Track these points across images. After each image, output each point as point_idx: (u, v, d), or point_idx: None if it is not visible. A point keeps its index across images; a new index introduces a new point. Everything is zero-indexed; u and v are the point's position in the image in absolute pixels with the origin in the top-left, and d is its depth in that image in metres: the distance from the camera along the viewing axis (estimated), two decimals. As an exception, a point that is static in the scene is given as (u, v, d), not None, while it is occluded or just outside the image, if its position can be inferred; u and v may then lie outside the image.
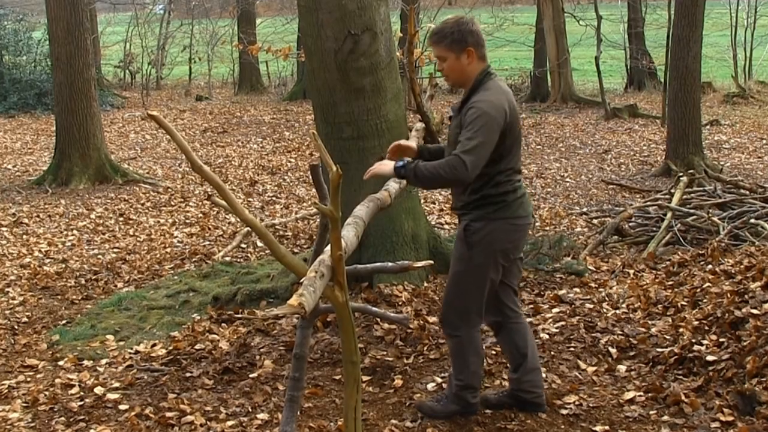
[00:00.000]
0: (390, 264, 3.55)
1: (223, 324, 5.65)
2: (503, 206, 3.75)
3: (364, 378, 4.40)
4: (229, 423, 4.12)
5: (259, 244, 8.40)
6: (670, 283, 5.87)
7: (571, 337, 4.96)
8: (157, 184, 12.02)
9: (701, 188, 9.18)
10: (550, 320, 5.21)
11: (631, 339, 4.86)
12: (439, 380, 4.47)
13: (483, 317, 3.95)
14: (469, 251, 3.78)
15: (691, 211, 8.05)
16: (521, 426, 3.95)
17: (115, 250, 8.54)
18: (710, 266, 5.92)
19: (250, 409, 4.26)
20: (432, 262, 3.75)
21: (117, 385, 4.71)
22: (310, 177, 3.44)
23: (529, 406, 4.07)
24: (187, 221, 9.82)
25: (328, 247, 3.02)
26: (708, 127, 16.17)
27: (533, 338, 4.17)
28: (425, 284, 5.77)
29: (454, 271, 3.87)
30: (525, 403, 4.07)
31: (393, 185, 4.06)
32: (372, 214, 3.76)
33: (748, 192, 8.88)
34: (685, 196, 8.56)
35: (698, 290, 5.35)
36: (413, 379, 4.52)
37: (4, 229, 9.47)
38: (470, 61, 3.73)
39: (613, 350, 4.76)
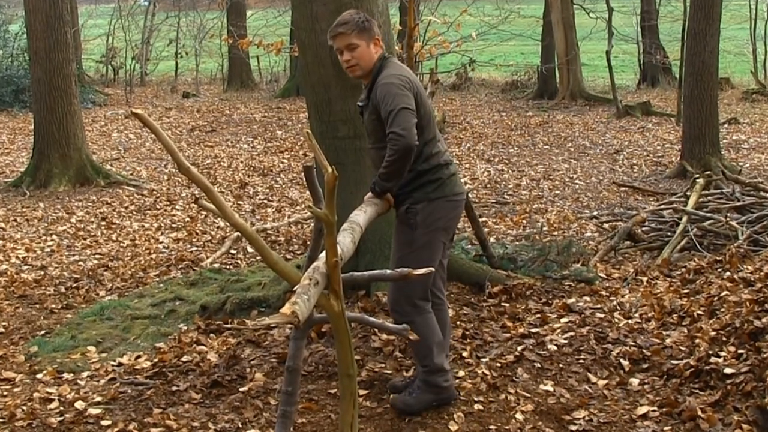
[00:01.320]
0: (389, 271, 3.55)
1: (211, 335, 5.65)
2: (440, 185, 4.08)
3: (361, 392, 4.40)
4: (218, 440, 4.12)
5: (250, 249, 8.40)
6: (686, 291, 5.88)
7: (581, 348, 4.96)
8: (142, 187, 12.02)
9: (719, 191, 9.19)
10: (559, 331, 5.21)
11: (644, 350, 4.86)
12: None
13: (429, 299, 4.20)
14: (413, 233, 4.07)
15: (708, 214, 8.06)
16: (528, 443, 3.95)
17: (97, 256, 8.53)
18: (728, 273, 5.92)
19: (240, 425, 4.26)
20: (433, 269, 3.75)
21: (99, 399, 4.70)
22: (304, 178, 3.44)
23: None
24: (174, 226, 9.82)
25: (323, 254, 3.02)
26: (726, 125, 16.21)
27: (450, 325, 4.55)
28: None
29: (399, 256, 4.10)
30: None
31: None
32: (369, 220, 3.77)
33: (768, 194, 8.90)
34: (701, 199, 8.57)
35: (715, 299, 5.35)
36: (413, 393, 4.52)
37: (-22, 233, 9.48)
38: (377, 49, 4.12)
39: (625, 362, 4.76)
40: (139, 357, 5.36)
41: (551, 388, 4.47)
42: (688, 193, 8.89)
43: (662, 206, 9.05)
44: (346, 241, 3.31)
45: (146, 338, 5.84)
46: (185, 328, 5.89)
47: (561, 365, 4.77)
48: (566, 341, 5.05)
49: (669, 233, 8.02)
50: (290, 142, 16.04)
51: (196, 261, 8.13)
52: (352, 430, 3.18)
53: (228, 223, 3.19)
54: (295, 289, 2.83)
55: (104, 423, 4.40)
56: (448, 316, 4.45)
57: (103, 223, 9.98)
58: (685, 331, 5.07)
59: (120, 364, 5.27)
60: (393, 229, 4.27)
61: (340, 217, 3.09)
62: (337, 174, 2.81)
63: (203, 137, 16.96)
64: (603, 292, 6.12)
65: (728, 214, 8.07)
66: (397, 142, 3.83)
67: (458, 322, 5.31)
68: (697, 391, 4.36)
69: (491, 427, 4.07)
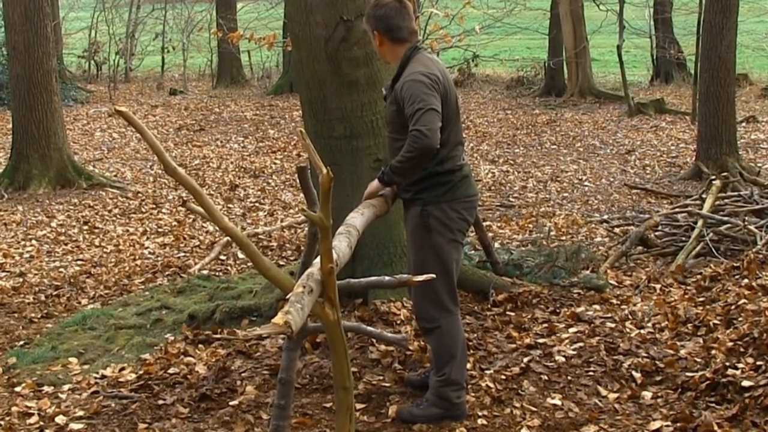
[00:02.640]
0: (387, 278, 3.56)
1: (199, 345, 5.65)
2: (452, 187, 4.18)
3: (358, 406, 4.40)
4: (207, 456, 4.12)
5: (241, 255, 8.40)
6: (702, 299, 5.89)
7: (591, 360, 4.96)
8: (126, 189, 12.02)
9: (736, 193, 9.20)
10: (567, 341, 5.22)
11: (657, 362, 4.87)
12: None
13: (458, 302, 4.35)
14: (428, 236, 4.17)
15: (725, 218, 8.07)
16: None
17: (79, 262, 8.53)
18: (746, 280, 5.93)
19: (230, 441, 4.26)
20: (435, 276, 3.76)
21: (81, 413, 4.70)
22: (298, 180, 3.45)
23: None
24: (160, 230, 9.82)
25: (318, 260, 3.03)
26: (744, 124, 16.22)
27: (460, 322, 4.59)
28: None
29: (418, 261, 4.20)
30: None
31: (388, 190, 4.27)
32: (367, 223, 3.78)
33: (788, 197, 8.90)
34: (717, 202, 8.58)
35: (733, 307, 5.36)
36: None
37: (-47, 238, 9.48)
38: (380, 44, 4.26)
39: (637, 375, 4.77)
40: (123, 369, 5.36)
41: (559, 402, 4.47)
42: (703, 196, 8.90)
43: (676, 209, 9.05)
44: (342, 246, 3.31)
45: (131, 349, 5.84)
46: (172, 338, 5.90)
47: (569, 378, 4.77)
48: (575, 352, 5.05)
49: (684, 238, 8.02)
50: (283, 142, 16.05)
51: (183, 267, 8.13)
52: (349, 446, 3.18)
53: (217, 228, 3.19)
54: (288, 297, 2.84)
55: (86, 439, 4.40)
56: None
57: (86, 227, 9.98)
58: (701, 341, 5.08)
59: (103, 377, 5.27)
60: (406, 233, 4.37)
61: (336, 221, 3.10)
62: (332, 175, 2.81)
63: (191, 136, 16.97)
64: (614, 301, 6.12)
65: (746, 218, 8.08)
66: (420, 140, 3.92)
67: (461, 332, 5.32)
68: (713, 405, 4.36)
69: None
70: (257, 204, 11.22)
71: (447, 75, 4.23)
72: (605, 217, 9.96)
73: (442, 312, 4.23)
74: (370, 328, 3.81)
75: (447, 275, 4.20)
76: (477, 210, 4.51)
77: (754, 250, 6.98)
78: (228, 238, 8.34)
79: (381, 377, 4.79)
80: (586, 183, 12.28)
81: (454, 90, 4.24)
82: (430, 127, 3.92)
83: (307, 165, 3.50)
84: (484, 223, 7.73)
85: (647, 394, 4.58)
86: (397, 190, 4.25)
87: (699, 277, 6.56)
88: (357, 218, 3.73)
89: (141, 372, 5.21)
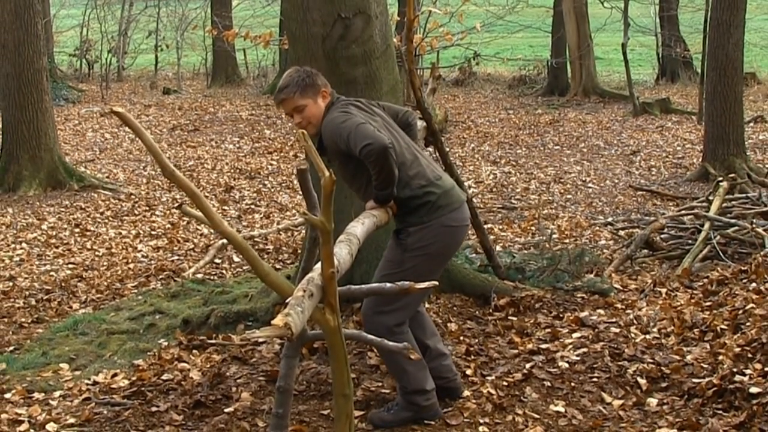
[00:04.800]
0: (388, 285, 3.56)
1: (194, 351, 5.65)
2: (431, 206, 4.16)
3: (357, 413, 4.40)
4: (202, 465, 4.12)
5: (236, 258, 8.41)
6: (708, 303, 5.89)
7: (595, 365, 4.97)
8: (119, 190, 12.02)
9: (744, 195, 9.20)
10: (570, 347, 5.22)
11: (663, 368, 4.88)
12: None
13: (407, 324, 4.29)
14: (402, 255, 4.18)
15: (732, 221, 8.07)
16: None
17: (70, 265, 8.53)
18: (754, 284, 5.94)
19: (226, 449, 4.26)
20: (436, 282, 3.75)
21: (72, 420, 4.70)
22: (297, 182, 3.46)
23: (445, 392, 4.46)
24: (153, 233, 9.82)
25: (319, 265, 3.03)
26: (751, 124, 16.24)
27: (432, 324, 4.62)
28: (427, 305, 5.78)
29: (383, 274, 4.17)
30: (440, 390, 4.41)
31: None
32: (368, 233, 3.78)
33: (797, 199, 8.90)
34: (725, 204, 8.58)
35: (740, 312, 5.37)
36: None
37: (-59, 241, 9.48)
38: (325, 100, 4.27)
39: (642, 381, 4.77)
40: (115, 375, 5.36)
41: (562, 409, 4.48)
42: (710, 198, 8.90)
43: (683, 212, 9.06)
44: (342, 252, 3.31)
45: (123, 355, 5.84)
46: (166, 343, 5.90)
47: (573, 384, 4.78)
48: (578, 358, 5.06)
49: (690, 241, 8.03)
50: (279, 143, 16.05)
51: (177, 271, 8.13)
52: (348, 454, 3.19)
53: (214, 231, 3.20)
54: (287, 300, 2.84)
55: (78, 447, 4.40)
56: (425, 317, 4.55)
57: (77, 230, 9.98)
58: (708, 347, 5.09)
59: (95, 383, 5.27)
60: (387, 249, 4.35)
61: (335, 225, 3.10)
62: (335, 178, 2.81)
63: (185, 137, 16.97)
64: (618, 305, 6.13)
65: (754, 221, 8.08)
66: (371, 153, 3.93)
67: (462, 337, 5.32)
68: (720, 412, 4.37)
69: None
70: (253, 206, 11.23)
71: (365, 102, 4.32)
72: (609, 219, 9.97)
73: (389, 333, 4.01)
74: (370, 336, 3.81)
75: (407, 303, 4.15)
76: (463, 238, 4.45)
77: (762, 253, 6.98)
78: (223, 240, 8.36)
79: (380, 383, 4.80)
80: (590, 184, 12.30)
81: (379, 111, 4.32)
82: (367, 136, 3.94)
83: (308, 167, 3.50)
84: (486, 226, 7.74)
85: (653, 401, 4.58)
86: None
87: (706, 281, 6.57)
88: (358, 227, 3.74)
89: (134, 378, 5.21)
